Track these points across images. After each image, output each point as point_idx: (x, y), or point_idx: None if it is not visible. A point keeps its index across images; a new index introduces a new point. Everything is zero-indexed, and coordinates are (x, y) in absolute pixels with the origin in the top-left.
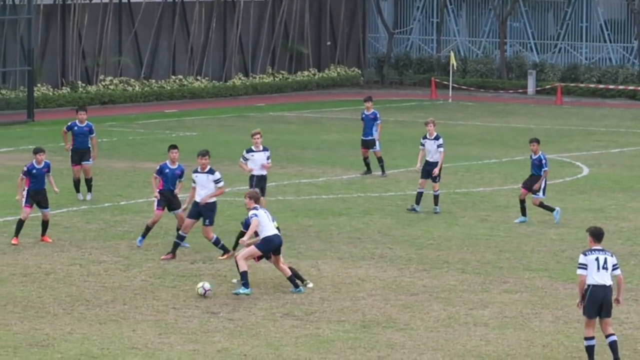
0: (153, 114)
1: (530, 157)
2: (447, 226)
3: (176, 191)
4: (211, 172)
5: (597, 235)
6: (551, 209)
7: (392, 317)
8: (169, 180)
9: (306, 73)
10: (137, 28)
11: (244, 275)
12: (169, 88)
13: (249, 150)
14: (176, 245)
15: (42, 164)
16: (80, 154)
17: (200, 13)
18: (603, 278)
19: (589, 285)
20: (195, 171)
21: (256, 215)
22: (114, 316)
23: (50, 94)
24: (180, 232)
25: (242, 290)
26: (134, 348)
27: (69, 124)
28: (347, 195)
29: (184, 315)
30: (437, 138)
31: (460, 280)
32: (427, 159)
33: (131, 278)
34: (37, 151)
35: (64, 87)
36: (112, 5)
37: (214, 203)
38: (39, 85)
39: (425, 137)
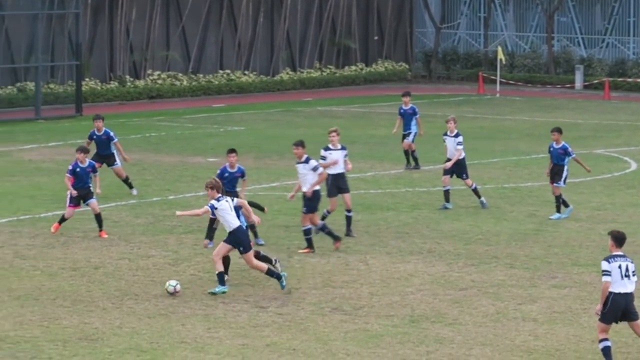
0: (201, 109)
1: (551, 147)
2: (495, 221)
3: (241, 193)
4: (307, 161)
5: (619, 239)
6: (566, 204)
7: (441, 312)
8: (229, 184)
9: (354, 68)
10: (184, 22)
11: (219, 276)
12: (216, 82)
13: (327, 149)
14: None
15: (87, 163)
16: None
17: (248, 7)
18: (625, 286)
19: (611, 293)
20: (298, 162)
21: (214, 206)
22: (163, 310)
23: (99, 88)
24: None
25: (217, 289)
26: (183, 342)
27: (90, 132)
28: (395, 190)
29: (233, 309)
30: (457, 135)
31: (508, 275)
32: (448, 155)
33: (180, 272)
34: (79, 150)
35: (111, 82)
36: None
37: (317, 191)
38: (87, 79)
39: (446, 134)
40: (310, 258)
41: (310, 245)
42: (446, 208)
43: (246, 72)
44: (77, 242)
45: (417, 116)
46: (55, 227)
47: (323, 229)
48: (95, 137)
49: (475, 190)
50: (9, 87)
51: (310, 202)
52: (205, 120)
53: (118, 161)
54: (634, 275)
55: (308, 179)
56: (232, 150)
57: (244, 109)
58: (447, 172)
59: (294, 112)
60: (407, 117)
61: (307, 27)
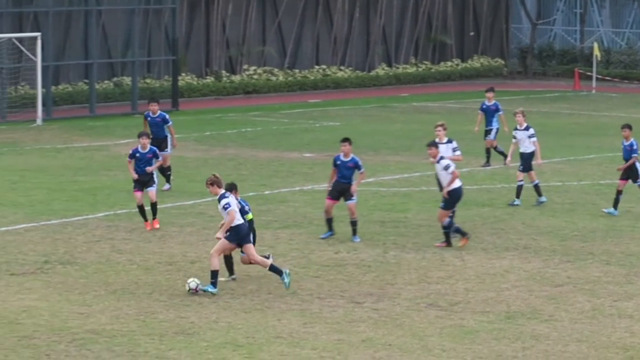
0: (296, 104)
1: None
2: (591, 218)
3: (355, 186)
4: (439, 161)
5: None
6: (617, 203)
7: (537, 308)
8: (342, 172)
9: (449, 63)
10: (280, 18)
11: (213, 274)
12: (312, 78)
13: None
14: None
15: (147, 149)
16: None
17: (344, 3)
18: None
19: None
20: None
21: (229, 204)
22: (259, 305)
23: (195, 83)
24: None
25: (209, 288)
26: (278, 337)
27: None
28: (490, 186)
29: (329, 305)
30: (527, 128)
31: (604, 271)
32: (521, 150)
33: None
34: (140, 135)
35: (208, 77)
36: None
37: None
38: (183, 74)
39: (516, 129)
40: (405, 254)
41: (447, 240)
42: (514, 205)
43: (342, 68)
44: (174, 237)
45: (500, 113)
46: (147, 225)
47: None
48: (149, 118)
49: (536, 187)
50: (106, 81)
51: (449, 199)
52: (300, 116)
53: (169, 148)
54: None
55: (442, 178)
56: (345, 140)
57: (340, 104)
58: (526, 168)
59: (390, 108)
60: (489, 113)
61: (402, 23)
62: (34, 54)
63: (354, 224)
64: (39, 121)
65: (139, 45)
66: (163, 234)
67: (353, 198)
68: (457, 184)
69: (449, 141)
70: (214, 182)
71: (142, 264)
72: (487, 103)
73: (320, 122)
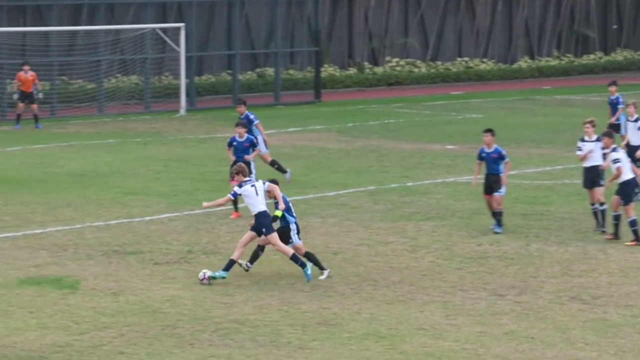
0: (439, 96)
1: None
2: None
3: (503, 176)
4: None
5: None
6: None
7: None
8: (489, 164)
9: (592, 56)
10: (423, 10)
11: (229, 262)
12: (454, 70)
13: (582, 140)
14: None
15: (244, 138)
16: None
17: None
18: None
19: None
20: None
21: (236, 193)
22: (402, 297)
23: (337, 74)
24: (613, 213)
25: (217, 273)
26: (421, 329)
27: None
28: None
29: (471, 297)
30: (637, 120)
31: None
32: (633, 142)
33: (418, 259)
34: (237, 124)
35: (350, 68)
36: None
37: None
38: (326, 66)
39: (627, 119)
40: (548, 247)
41: (637, 237)
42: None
43: (484, 60)
44: (316, 228)
45: (620, 106)
46: (235, 214)
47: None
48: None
49: None
50: (249, 72)
51: (626, 192)
52: (443, 108)
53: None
54: None
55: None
56: (487, 130)
57: (482, 96)
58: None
59: (532, 101)
60: (613, 107)
61: (545, 15)
62: (178, 45)
63: (499, 214)
64: (182, 111)
65: (282, 36)
66: (306, 224)
67: (501, 190)
68: (629, 175)
69: (598, 139)
70: (238, 172)
71: (284, 254)
72: (611, 97)
73: (462, 114)
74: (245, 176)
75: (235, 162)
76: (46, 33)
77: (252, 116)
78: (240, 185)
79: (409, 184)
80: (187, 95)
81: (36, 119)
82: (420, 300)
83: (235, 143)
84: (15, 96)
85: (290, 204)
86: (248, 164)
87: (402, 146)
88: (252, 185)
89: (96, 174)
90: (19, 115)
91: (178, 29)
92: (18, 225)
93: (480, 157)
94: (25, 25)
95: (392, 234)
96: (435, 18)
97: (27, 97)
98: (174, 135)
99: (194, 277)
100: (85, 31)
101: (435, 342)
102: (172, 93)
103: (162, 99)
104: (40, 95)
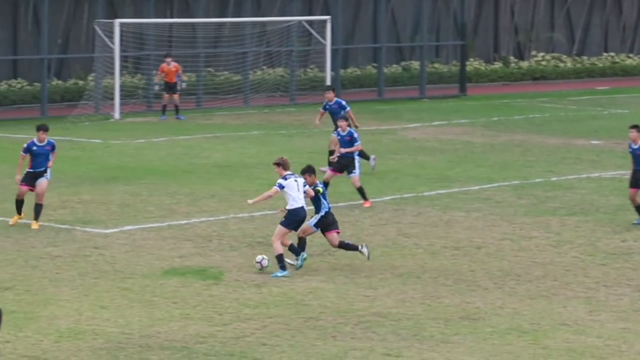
0: (584, 91)
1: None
2: None
3: None
4: None
5: None
6: None
7: None
8: (636, 160)
9: None
10: (569, 4)
11: (279, 258)
12: (600, 65)
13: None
14: None
15: (346, 131)
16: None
17: None
18: None
19: None
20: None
21: (280, 185)
22: (545, 292)
23: (482, 68)
24: None
25: (279, 273)
26: (564, 324)
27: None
28: None
29: (615, 293)
30: None
31: None
32: None
33: (562, 254)
34: (338, 118)
35: (495, 62)
36: None
37: None
38: (471, 59)
39: None
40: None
41: None
42: None
43: (630, 55)
44: (460, 222)
45: None
46: (366, 203)
47: None
48: (327, 107)
49: None
50: (394, 65)
51: None
52: (588, 103)
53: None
54: None
55: None
56: (634, 126)
57: (628, 92)
58: None
59: None
60: None
61: None
62: (324, 37)
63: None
64: None
65: (427, 30)
66: (449, 218)
67: None
68: None
69: None
70: (279, 164)
71: (428, 248)
72: None
73: (608, 109)
74: (286, 169)
75: (331, 152)
76: (193, 24)
77: (343, 102)
78: (285, 178)
79: (554, 178)
80: None
81: (177, 109)
82: (563, 295)
83: (338, 137)
84: (157, 87)
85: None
86: (351, 157)
87: (547, 141)
88: (295, 180)
89: (241, 166)
90: (164, 107)
91: (324, 21)
92: (163, 216)
93: (631, 153)
94: (172, 17)
95: (536, 228)
96: (582, 12)
97: (170, 88)
98: (319, 128)
99: (337, 270)
100: (232, 23)
101: (577, 337)
102: (317, 85)
103: (307, 92)
104: (184, 86)
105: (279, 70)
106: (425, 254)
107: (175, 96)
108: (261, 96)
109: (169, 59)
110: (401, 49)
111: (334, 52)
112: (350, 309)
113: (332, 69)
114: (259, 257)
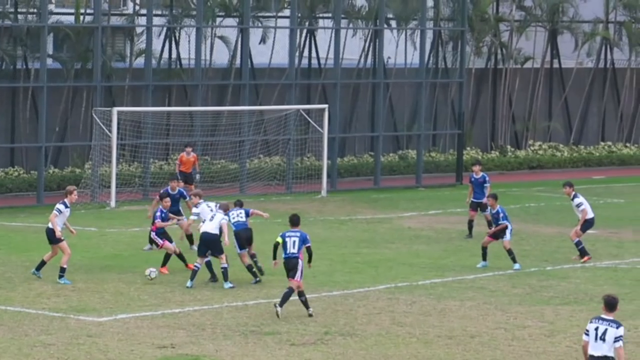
0: (580, 180)
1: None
2: None
3: None
4: None
5: (608, 304)
6: None
7: None
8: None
9: None
10: (567, 93)
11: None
12: (597, 154)
13: None
14: None
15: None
16: None
17: (632, 79)
18: (598, 349)
19: (590, 355)
20: None
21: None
22: None
23: (479, 157)
24: None
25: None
26: None
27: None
28: None
29: None
30: None
31: None
32: None
33: (555, 344)
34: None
35: (492, 151)
36: (544, 70)
37: None
38: (468, 148)
39: None
40: None
41: None
42: None
43: (627, 145)
44: (454, 311)
45: None
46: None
47: None
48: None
49: None
50: (391, 154)
51: None
52: (584, 192)
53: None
54: (616, 341)
55: None
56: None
57: (624, 181)
58: None
59: None
60: None
61: None
62: (321, 126)
63: None
64: (323, 192)
65: (425, 118)
66: (443, 307)
67: None
68: None
69: None
70: (196, 194)
71: (422, 337)
72: None
73: (604, 198)
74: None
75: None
76: (191, 113)
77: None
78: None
79: (549, 268)
80: (329, 176)
81: None
82: None
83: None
84: (198, 177)
85: None
86: None
87: (542, 230)
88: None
89: (235, 254)
90: None
91: (322, 110)
92: (157, 305)
93: None
94: (170, 105)
95: (530, 318)
96: (579, 102)
97: (186, 178)
98: (315, 217)
99: (330, 359)
100: (230, 111)
101: None
102: (313, 174)
103: (304, 180)
104: (198, 177)
105: (276, 159)
106: (418, 343)
107: (191, 187)
108: (257, 184)
109: (189, 149)
110: (398, 137)
111: (331, 140)
112: None
113: (329, 157)
114: (147, 271)
